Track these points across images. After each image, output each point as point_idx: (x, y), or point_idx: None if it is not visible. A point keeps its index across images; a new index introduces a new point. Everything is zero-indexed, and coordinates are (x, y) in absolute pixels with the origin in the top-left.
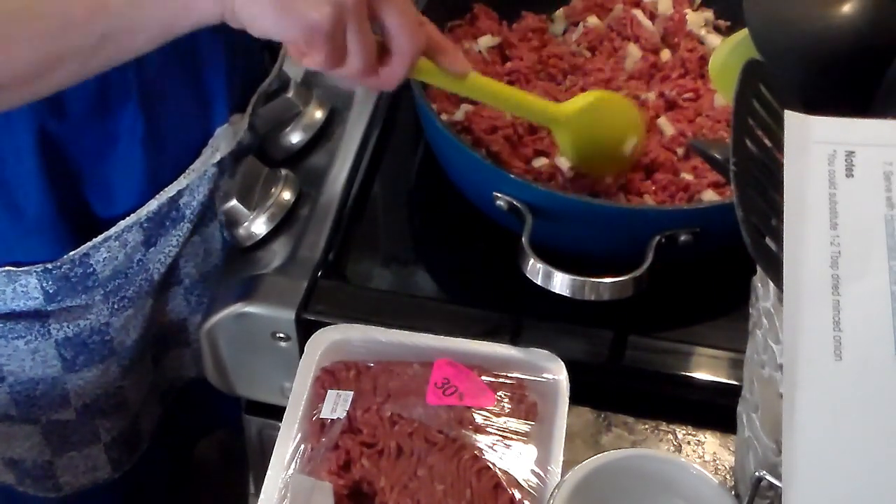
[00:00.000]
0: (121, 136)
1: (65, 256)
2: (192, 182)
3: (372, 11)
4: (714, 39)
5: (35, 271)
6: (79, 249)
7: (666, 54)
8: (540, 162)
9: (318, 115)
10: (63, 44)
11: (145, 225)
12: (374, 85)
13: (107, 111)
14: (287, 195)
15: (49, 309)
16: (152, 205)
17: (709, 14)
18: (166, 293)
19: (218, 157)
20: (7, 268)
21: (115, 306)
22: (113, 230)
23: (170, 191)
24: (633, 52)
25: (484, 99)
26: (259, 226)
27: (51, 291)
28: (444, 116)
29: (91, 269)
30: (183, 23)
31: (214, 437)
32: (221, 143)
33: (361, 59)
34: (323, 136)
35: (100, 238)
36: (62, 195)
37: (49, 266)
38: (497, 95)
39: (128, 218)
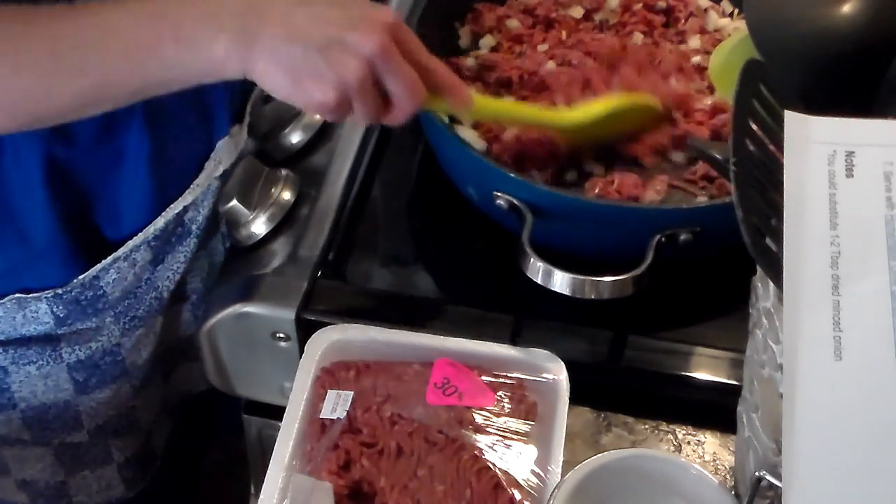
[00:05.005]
0: (127, 157)
1: (74, 280)
2: (197, 197)
3: (375, 78)
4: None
5: (45, 297)
6: (88, 273)
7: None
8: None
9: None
10: (101, 94)
11: (153, 243)
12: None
13: (113, 133)
14: (287, 195)
15: (60, 333)
16: (159, 222)
17: None
18: (175, 310)
19: (221, 169)
20: (17, 295)
21: (126, 326)
22: (121, 251)
23: (175, 207)
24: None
25: (494, 120)
26: (259, 226)
27: (61, 316)
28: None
29: (101, 292)
30: (205, 79)
31: (219, 441)
32: (224, 155)
33: (365, 117)
34: (323, 136)
35: (109, 260)
36: (70, 220)
37: (59, 291)
38: (506, 114)
39: (135, 237)
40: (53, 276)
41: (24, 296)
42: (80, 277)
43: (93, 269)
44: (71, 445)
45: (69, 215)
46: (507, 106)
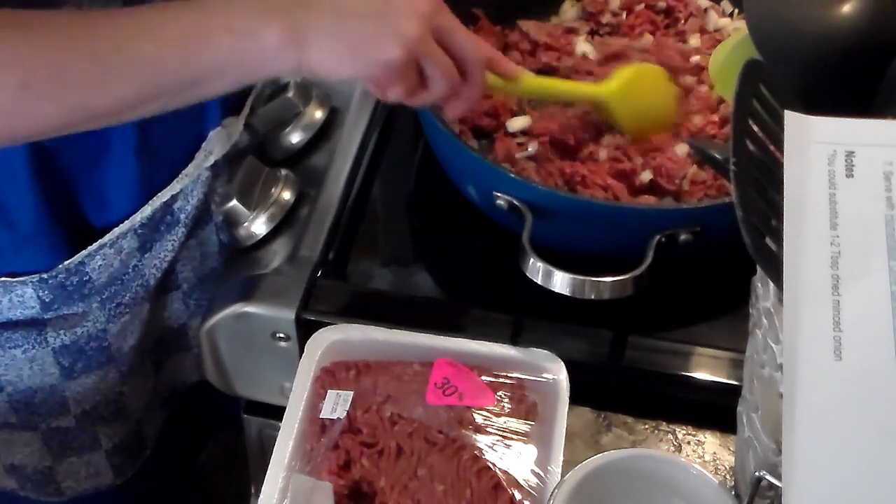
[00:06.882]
0: (113, 146)
1: (60, 266)
2: (185, 186)
3: (438, 38)
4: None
5: (31, 281)
6: (74, 258)
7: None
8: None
9: (318, 115)
10: (155, 86)
11: (140, 231)
12: (458, 108)
13: None
14: (287, 195)
15: (46, 317)
16: (146, 210)
17: None
18: (164, 298)
19: (211, 160)
20: (3, 279)
21: (112, 313)
22: (107, 237)
23: (163, 196)
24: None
25: (537, 96)
26: (259, 226)
27: (47, 300)
28: None
29: (87, 277)
30: (260, 73)
31: (217, 436)
32: (215, 146)
33: (444, 82)
34: (323, 136)
35: (94, 246)
36: (56, 206)
37: (45, 276)
38: (548, 89)
39: (122, 225)
40: (40, 261)
41: (9, 280)
42: (66, 263)
43: (78, 255)
44: (58, 430)
45: (55, 202)
46: (548, 82)
